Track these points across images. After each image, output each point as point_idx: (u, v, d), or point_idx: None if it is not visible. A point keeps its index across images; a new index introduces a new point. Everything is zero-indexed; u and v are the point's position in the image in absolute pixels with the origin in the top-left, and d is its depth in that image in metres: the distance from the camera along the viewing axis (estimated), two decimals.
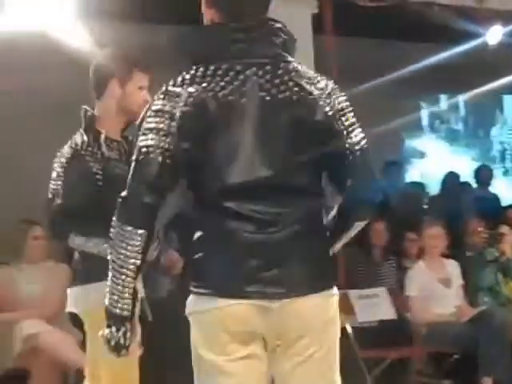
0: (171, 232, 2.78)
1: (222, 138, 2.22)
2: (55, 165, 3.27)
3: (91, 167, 3.22)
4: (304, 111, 2.26)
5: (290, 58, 2.32)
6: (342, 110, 2.32)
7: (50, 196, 3.23)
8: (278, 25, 2.33)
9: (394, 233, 7.08)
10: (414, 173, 9.72)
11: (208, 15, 2.35)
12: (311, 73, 2.33)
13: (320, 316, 2.28)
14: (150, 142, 2.22)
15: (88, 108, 3.34)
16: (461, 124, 10.34)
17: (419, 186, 8.70)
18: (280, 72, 2.28)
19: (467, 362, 5.78)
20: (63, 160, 3.25)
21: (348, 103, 2.34)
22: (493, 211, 7.82)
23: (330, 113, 2.29)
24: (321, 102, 2.28)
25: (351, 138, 2.30)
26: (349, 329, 5.73)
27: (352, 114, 2.33)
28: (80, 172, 3.21)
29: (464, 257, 6.78)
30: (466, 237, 7.05)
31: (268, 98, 2.24)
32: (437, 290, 6.09)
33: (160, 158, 2.21)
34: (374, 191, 2.38)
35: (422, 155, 9.94)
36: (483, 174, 8.90)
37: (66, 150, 3.27)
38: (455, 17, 6.88)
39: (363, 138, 2.33)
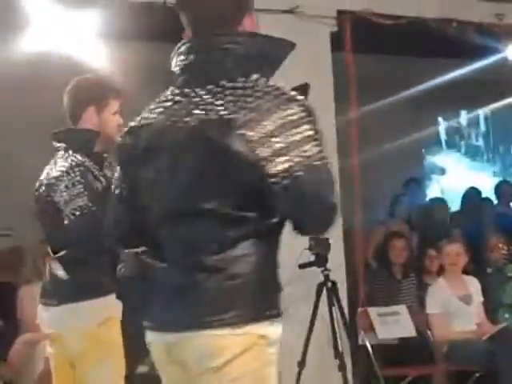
0: None
1: (148, 167, 2.24)
2: (70, 177, 3.29)
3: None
4: (219, 138, 2.09)
5: (229, 79, 2.16)
6: (268, 135, 2.06)
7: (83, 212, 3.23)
8: (227, 45, 2.18)
9: (415, 250, 7.09)
10: (434, 189, 9.70)
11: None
12: (253, 92, 2.12)
13: (202, 359, 2.10)
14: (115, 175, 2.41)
15: (93, 129, 3.41)
16: (481, 139, 10.31)
17: (441, 202, 8.66)
18: (207, 97, 2.16)
19: (488, 379, 5.75)
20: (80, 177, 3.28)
21: (286, 123, 2.07)
22: None
23: (249, 139, 2.06)
24: (239, 130, 2.07)
25: (276, 165, 2.04)
26: (369, 346, 5.72)
27: (287, 136, 2.05)
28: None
29: (484, 273, 6.76)
30: (487, 253, 7.02)
31: (184, 125, 2.16)
32: (457, 308, 6.07)
33: (117, 191, 2.36)
34: (315, 215, 2.10)
35: (442, 171, 9.93)
36: (504, 190, 8.87)
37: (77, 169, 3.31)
38: (475, 33, 6.88)
39: (297, 163, 2.04)
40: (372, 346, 5.73)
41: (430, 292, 6.19)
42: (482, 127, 10.29)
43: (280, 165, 2.04)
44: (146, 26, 6.36)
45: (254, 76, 2.16)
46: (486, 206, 8.61)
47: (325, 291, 5.46)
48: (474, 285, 6.26)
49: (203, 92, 2.16)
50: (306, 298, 5.53)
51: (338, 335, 5.41)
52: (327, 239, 5.56)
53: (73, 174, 3.26)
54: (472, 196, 8.69)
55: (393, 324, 6.01)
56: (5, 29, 5.58)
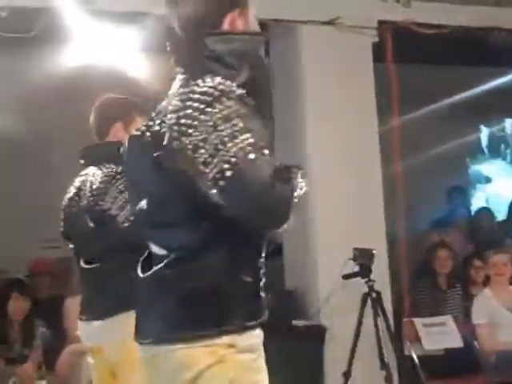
0: None
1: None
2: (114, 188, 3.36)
3: None
4: (162, 151, 2.10)
5: (180, 90, 2.16)
6: (198, 145, 2.02)
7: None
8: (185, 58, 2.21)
9: (462, 260, 7.02)
10: (479, 198, 9.61)
11: None
12: (198, 105, 2.07)
13: (176, 372, 2.09)
14: None
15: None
16: None
17: (488, 212, 8.54)
18: (160, 109, 2.19)
19: None
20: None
21: (218, 120, 2.02)
22: None
23: (185, 149, 2.04)
24: (175, 142, 2.05)
25: (211, 167, 2.00)
26: (415, 357, 5.67)
27: (219, 134, 2.01)
28: None
29: None
30: None
31: (140, 139, 2.22)
32: (504, 318, 5.99)
33: None
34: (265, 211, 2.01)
35: (487, 180, 9.82)
36: None
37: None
38: None
39: (230, 160, 1.98)
40: (418, 357, 5.68)
41: (476, 302, 6.12)
42: None
43: (214, 166, 2.00)
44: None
45: (193, 79, 2.14)
46: None
47: (369, 302, 5.44)
48: None
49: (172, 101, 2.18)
50: (351, 309, 5.52)
51: (383, 346, 5.39)
52: (371, 250, 5.55)
53: (116, 183, 3.32)
54: None
55: (439, 334, 5.96)
56: (48, 43, 5.68)
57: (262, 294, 2.20)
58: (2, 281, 6.09)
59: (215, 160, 1.99)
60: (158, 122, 2.15)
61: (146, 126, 2.22)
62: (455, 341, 5.98)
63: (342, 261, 5.48)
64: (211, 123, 2.02)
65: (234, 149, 1.98)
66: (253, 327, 2.15)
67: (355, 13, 6.28)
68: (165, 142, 2.08)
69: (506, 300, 6.10)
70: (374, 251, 5.53)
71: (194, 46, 2.19)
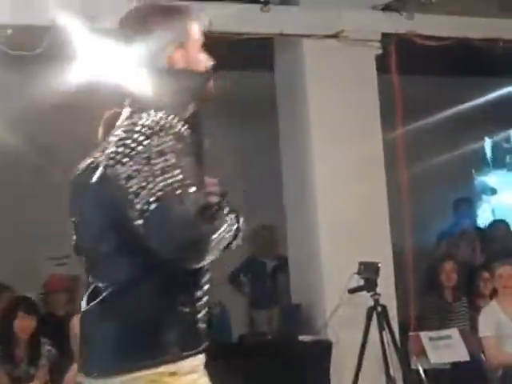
0: None
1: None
2: None
3: None
4: (101, 181, 2.17)
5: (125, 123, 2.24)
6: (132, 175, 2.08)
7: None
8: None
9: (466, 272, 7.00)
10: (485, 209, 9.58)
11: None
12: (136, 136, 2.14)
13: None
14: None
15: None
16: None
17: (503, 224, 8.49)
18: (108, 141, 2.26)
19: None
20: None
21: (153, 153, 2.08)
22: None
23: (119, 178, 2.10)
24: (109, 170, 2.13)
25: (139, 202, 2.05)
26: (421, 371, 5.65)
27: (151, 167, 2.07)
28: None
29: None
30: None
31: (84, 171, 2.29)
32: (511, 330, 5.95)
33: None
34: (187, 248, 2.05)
35: (493, 191, 9.79)
36: None
37: None
38: None
39: (158, 200, 2.04)
40: (424, 371, 5.67)
41: (483, 315, 6.08)
42: None
43: (142, 198, 2.05)
44: None
45: (138, 112, 2.21)
46: None
47: (375, 315, 5.42)
48: None
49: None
50: (357, 323, 5.51)
51: (389, 360, 5.37)
52: (376, 263, 5.54)
53: None
54: None
55: (445, 348, 5.94)
56: (54, 61, 5.70)
57: (201, 325, 2.23)
58: (8, 299, 6.08)
59: (144, 192, 2.05)
60: (102, 152, 2.24)
61: (92, 158, 2.29)
62: (461, 354, 5.95)
63: (348, 275, 5.47)
64: (146, 155, 2.08)
65: (163, 183, 2.04)
66: (191, 356, 2.19)
67: (359, 26, 6.31)
68: (101, 169, 2.16)
69: None
70: (379, 264, 5.52)
71: (139, 80, 2.28)
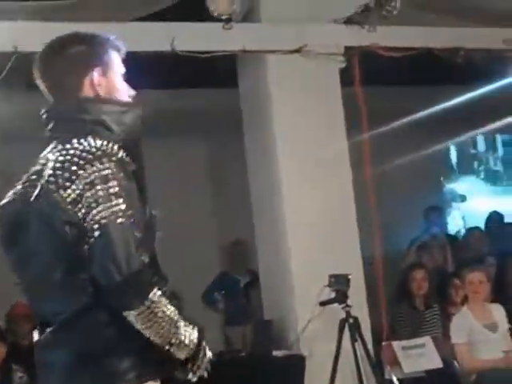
0: None
1: None
2: None
3: None
4: (45, 207, 2.17)
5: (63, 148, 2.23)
6: (76, 199, 2.12)
7: None
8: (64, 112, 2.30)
9: (438, 279, 7.04)
10: (455, 216, 9.66)
11: None
12: (76, 160, 2.17)
13: None
14: None
15: None
16: (500, 164, 10.26)
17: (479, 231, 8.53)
18: (33, 170, 2.26)
19: None
20: None
21: (95, 179, 2.11)
22: None
23: (63, 202, 2.13)
24: (55, 195, 2.15)
25: (86, 226, 2.10)
26: (395, 381, 5.67)
27: (94, 193, 2.11)
28: None
29: (510, 298, 6.70)
30: (510, 277, 6.97)
31: (14, 202, 2.27)
32: (483, 336, 5.99)
33: None
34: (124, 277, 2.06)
35: (462, 198, 9.88)
36: None
37: None
38: (484, 59, 6.90)
39: (101, 227, 2.08)
40: (398, 380, 5.69)
41: (455, 322, 6.13)
42: (500, 151, 10.25)
43: (88, 225, 2.09)
44: (157, 75, 6.47)
45: (77, 138, 2.22)
46: (509, 230, 8.55)
47: (347, 327, 5.44)
48: (499, 312, 6.18)
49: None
50: (329, 336, 5.53)
51: (362, 371, 5.39)
52: (347, 275, 5.56)
53: None
54: (495, 220, 8.66)
55: (418, 357, 5.96)
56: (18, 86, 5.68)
57: (158, 350, 2.20)
58: None
59: (88, 217, 2.09)
60: (32, 179, 2.23)
61: (15, 190, 2.28)
62: (435, 362, 5.98)
63: (319, 288, 5.49)
64: (89, 180, 2.11)
65: (106, 211, 2.08)
66: (148, 380, 2.20)
67: (321, 40, 6.35)
68: (41, 194, 2.16)
69: (484, 318, 6.11)
70: (349, 276, 5.55)
71: (70, 109, 2.28)
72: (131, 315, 2.09)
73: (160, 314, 2.10)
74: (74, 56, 2.31)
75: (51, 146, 2.29)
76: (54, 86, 2.33)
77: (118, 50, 2.39)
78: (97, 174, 2.11)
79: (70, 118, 2.27)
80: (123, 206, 2.10)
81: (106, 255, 2.06)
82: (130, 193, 2.13)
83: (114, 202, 2.09)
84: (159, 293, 2.11)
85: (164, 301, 2.12)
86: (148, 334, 2.11)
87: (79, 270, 2.15)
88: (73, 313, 2.16)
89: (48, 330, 2.20)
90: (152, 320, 2.09)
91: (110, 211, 2.08)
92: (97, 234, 2.07)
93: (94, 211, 2.08)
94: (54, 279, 2.18)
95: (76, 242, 2.12)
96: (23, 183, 2.27)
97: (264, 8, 6.28)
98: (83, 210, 2.10)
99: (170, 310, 2.13)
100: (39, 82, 2.36)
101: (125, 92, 2.38)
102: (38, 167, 2.26)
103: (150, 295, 2.09)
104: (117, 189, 2.10)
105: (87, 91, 2.31)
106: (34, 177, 2.24)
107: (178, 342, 2.15)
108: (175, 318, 2.14)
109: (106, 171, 2.12)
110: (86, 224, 2.09)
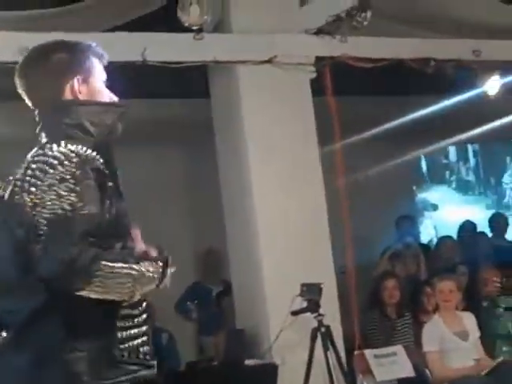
0: None
1: None
2: None
3: None
4: (6, 208, 2.28)
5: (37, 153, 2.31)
6: (38, 204, 2.20)
7: None
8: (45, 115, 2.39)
9: (410, 288, 7.08)
10: (427, 225, 9.72)
11: None
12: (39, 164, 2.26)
13: None
14: None
15: None
16: (471, 173, 10.36)
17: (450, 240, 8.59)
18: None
19: None
20: None
21: (58, 181, 2.19)
22: (510, 259, 7.78)
23: (25, 209, 2.21)
24: (17, 197, 2.24)
25: (37, 226, 2.18)
26: None
27: (46, 200, 2.18)
28: None
29: (480, 307, 6.75)
30: (481, 286, 7.02)
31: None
32: (454, 344, 6.03)
33: None
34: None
35: (434, 207, 9.95)
36: (498, 222, 8.89)
37: None
38: (453, 70, 6.97)
39: (49, 223, 2.16)
40: None
41: (426, 330, 6.16)
42: (472, 161, 10.35)
43: (41, 223, 2.16)
44: (128, 85, 6.45)
45: (51, 143, 2.28)
46: (480, 239, 8.62)
47: (319, 336, 5.45)
48: (470, 320, 6.22)
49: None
50: (301, 345, 5.54)
51: (335, 380, 5.40)
52: (319, 284, 5.58)
53: None
54: (468, 229, 8.73)
55: (390, 365, 5.98)
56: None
57: (125, 354, 2.23)
58: None
59: (39, 217, 2.17)
60: (8, 180, 2.33)
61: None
62: (406, 370, 6.00)
63: (290, 297, 5.50)
64: (48, 183, 2.19)
65: (55, 206, 2.16)
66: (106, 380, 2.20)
67: (292, 50, 6.38)
68: (8, 196, 2.27)
69: (455, 326, 6.14)
70: (321, 285, 5.56)
71: (50, 114, 2.35)
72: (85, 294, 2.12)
73: (110, 276, 2.12)
74: (55, 63, 2.36)
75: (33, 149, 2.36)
76: (35, 92, 2.38)
77: (100, 57, 2.44)
78: (56, 176, 2.18)
79: (51, 123, 2.34)
80: (74, 199, 2.16)
81: (48, 249, 2.11)
82: (84, 189, 2.18)
83: (64, 198, 2.16)
84: (103, 262, 2.12)
85: (108, 263, 2.13)
86: (111, 298, 2.15)
87: (34, 269, 2.16)
88: (28, 316, 2.17)
89: (3, 333, 2.20)
90: (106, 286, 2.12)
91: (60, 206, 2.15)
92: (45, 229, 2.15)
93: (45, 210, 2.16)
94: (9, 278, 2.21)
95: (30, 243, 2.16)
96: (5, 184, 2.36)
97: (235, 19, 6.30)
98: (43, 212, 2.17)
99: (117, 265, 2.15)
100: (20, 90, 2.41)
101: (106, 98, 2.44)
102: (20, 170, 2.34)
103: (96, 272, 2.11)
104: (71, 186, 2.17)
105: (68, 98, 2.36)
106: (11, 178, 2.33)
107: (139, 285, 2.21)
108: (124, 266, 2.16)
109: (65, 173, 2.19)
110: (37, 224, 2.16)
